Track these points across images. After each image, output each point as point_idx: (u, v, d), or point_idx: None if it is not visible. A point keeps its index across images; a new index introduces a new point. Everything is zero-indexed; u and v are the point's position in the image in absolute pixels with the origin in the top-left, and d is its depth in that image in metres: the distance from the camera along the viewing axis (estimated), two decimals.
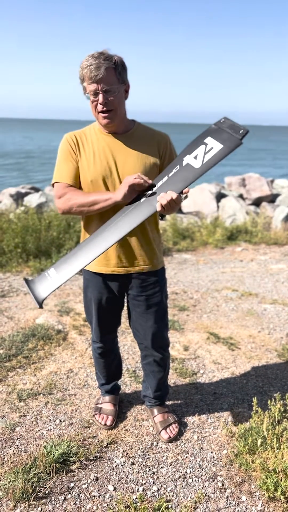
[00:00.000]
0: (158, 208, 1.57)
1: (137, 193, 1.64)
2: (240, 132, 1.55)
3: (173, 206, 1.56)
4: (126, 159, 1.76)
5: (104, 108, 1.67)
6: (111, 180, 1.77)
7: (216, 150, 1.56)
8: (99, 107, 1.68)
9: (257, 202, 8.89)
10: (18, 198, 8.02)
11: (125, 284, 1.95)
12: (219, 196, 8.40)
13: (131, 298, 1.98)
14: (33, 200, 7.57)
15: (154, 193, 1.63)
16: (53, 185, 1.82)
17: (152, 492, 1.83)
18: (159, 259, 1.97)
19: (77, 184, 1.81)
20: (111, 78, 1.63)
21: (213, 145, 1.57)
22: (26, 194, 8.39)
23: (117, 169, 1.76)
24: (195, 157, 1.59)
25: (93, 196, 1.70)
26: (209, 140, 1.59)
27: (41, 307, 1.61)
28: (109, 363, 2.21)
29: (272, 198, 8.96)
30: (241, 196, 8.98)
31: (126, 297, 2.03)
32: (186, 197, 1.61)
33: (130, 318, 2.07)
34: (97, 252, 1.61)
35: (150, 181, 1.63)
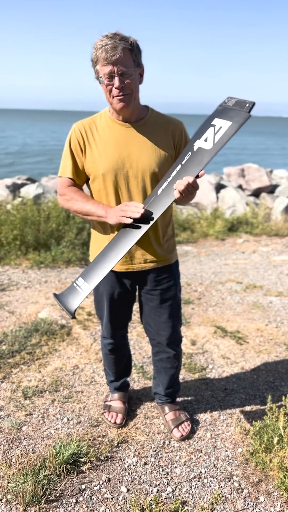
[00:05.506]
0: (177, 195, 1.49)
1: (131, 220, 1.57)
2: (247, 106, 1.50)
3: (191, 190, 1.50)
4: (141, 151, 1.67)
5: (120, 93, 1.56)
6: (123, 174, 1.67)
7: (225, 129, 1.51)
8: (115, 92, 1.56)
9: (256, 193, 8.81)
10: (15, 189, 7.87)
11: (138, 279, 1.87)
12: (218, 187, 8.31)
13: (144, 292, 1.90)
14: (30, 191, 7.43)
15: (168, 185, 1.56)
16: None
17: (167, 494, 1.77)
18: (173, 253, 1.89)
19: (81, 179, 1.75)
20: (127, 59, 1.52)
21: (222, 125, 1.52)
22: (22, 185, 8.24)
23: (130, 162, 1.66)
24: (206, 140, 1.54)
25: (89, 206, 1.67)
26: (216, 121, 1.54)
27: (73, 317, 1.61)
28: (119, 360, 2.13)
29: (271, 189, 8.89)
30: (240, 186, 8.89)
31: (137, 291, 1.96)
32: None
33: (142, 313, 1.99)
34: (122, 252, 1.58)
35: (140, 212, 1.53)
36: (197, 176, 1.50)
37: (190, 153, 1.56)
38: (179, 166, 1.57)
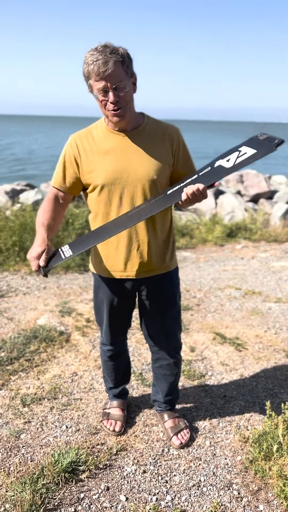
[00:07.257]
0: (184, 197, 1.53)
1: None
2: (275, 141, 1.58)
3: (199, 197, 1.53)
4: (139, 159, 1.67)
5: (116, 107, 1.56)
6: (122, 183, 1.68)
7: (249, 155, 1.60)
8: (110, 106, 1.56)
9: (255, 199, 8.83)
10: (14, 195, 7.88)
11: (138, 285, 1.87)
12: (217, 193, 8.33)
13: (144, 299, 1.90)
14: (29, 197, 7.45)
15: (179, 189, 1.62)
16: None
17: (166, 502, 1.76)
18: (173, 260, 1.89)
19: (72, 189, 1.77)
20: (120, 73, 1.52)
21: (247, 151, 1.62)
22: (22, 191, 8.25)
23: (129, 172, 1.67)
24: (228, 160, 1.63)
25: (37, 229, 1.76)
26: (243, 148, 1.64)
27: (45, 276, 1.66)
28: (118, 366, 2.13)
29: (270, 195, 8.90)
30: (239, 192, 8.91)
31: (137, 297, 1.95)
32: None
33: (141, 319, 1.99)
34: (114, 231, 1.63)
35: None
36: (211, 186, 1.56)
37: (209, 168, 1.65)
38: (196, 175, 1.64)
